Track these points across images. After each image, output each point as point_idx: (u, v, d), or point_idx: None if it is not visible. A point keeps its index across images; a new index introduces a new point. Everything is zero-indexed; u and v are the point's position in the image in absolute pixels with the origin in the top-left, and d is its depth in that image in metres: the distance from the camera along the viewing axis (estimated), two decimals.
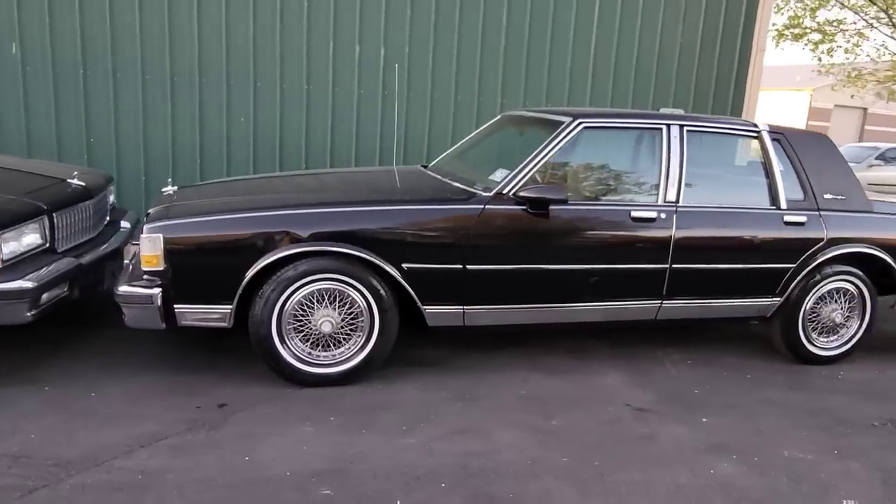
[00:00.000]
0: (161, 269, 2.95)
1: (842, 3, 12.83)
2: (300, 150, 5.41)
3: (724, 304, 3.62)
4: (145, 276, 2.98)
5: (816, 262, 3.65)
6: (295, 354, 3.15)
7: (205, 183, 3.86)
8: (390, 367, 3.38)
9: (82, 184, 3.68)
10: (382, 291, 3.14)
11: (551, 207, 3.24)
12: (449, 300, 3.24)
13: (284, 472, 2.48)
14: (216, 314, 3.06)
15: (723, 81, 6.48)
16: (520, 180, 3.28)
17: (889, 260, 3.75)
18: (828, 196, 3.70)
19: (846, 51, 13.96)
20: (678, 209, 3.45)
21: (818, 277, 3.70)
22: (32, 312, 2.93)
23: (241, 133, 5.34)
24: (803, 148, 3.72)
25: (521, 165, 3.32)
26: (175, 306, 3.00)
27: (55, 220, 3.25)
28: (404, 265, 3.13)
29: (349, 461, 2.58)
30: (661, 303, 3.51)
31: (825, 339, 3.86)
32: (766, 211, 3.61)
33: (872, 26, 12.89)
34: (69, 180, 3.64)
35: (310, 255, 3.04)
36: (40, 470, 2.39)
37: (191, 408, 2.95)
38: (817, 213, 3.66)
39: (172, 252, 2.94)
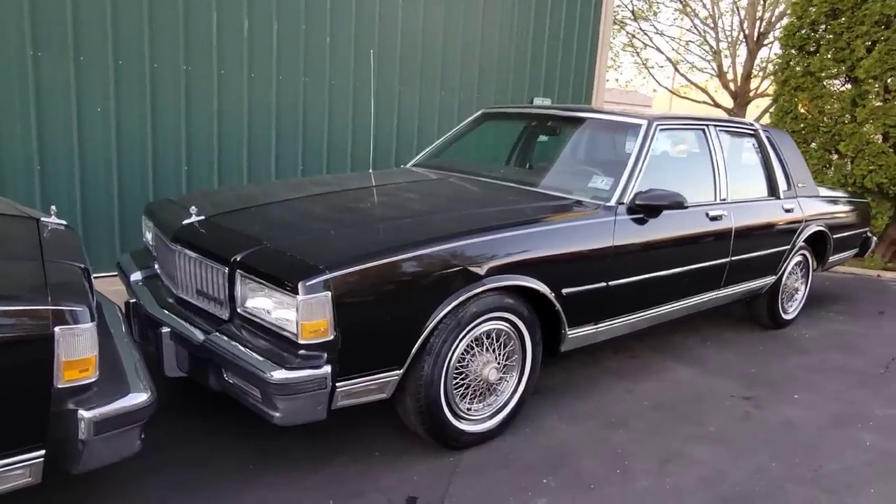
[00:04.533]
0: (331, 338, 2.15)
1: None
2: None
3: (747, 286, 3.98)
4: (302, 352, 2.14)
5: (797, 242, 4.24)
6: (457, 414, 2.60)
7: (238, 208, 2.84)
8: None
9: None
10: (537, 323, 2.76)
11: (664, 213, 3.19)
12: (589, 320, 2.99)
13: None
14: (376, 384, 2.34)
15: (579, 72, 6.97)
16: (632, 188, 3.15)
17: (828, 232, 4.53)
18: (800, 185, 4.30)
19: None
20: (730, 205, 3.67)
21: (792, 253, 4.30)
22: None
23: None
24: (781, 143, 4.26)
25: (628, 173, 3.18)
26: (337, 384, 2.22)
27: None
28: (564, 290, 2.78)
29: None
30: (718, 293, 3.73)
31: (789, 305, 4.53)
32: (773, 200, 4.06)
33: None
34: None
35: (480, 294, 2.52)
36: None
37: None
38: (796, 199, 4.24)
39: (344, 313, 2.16)
